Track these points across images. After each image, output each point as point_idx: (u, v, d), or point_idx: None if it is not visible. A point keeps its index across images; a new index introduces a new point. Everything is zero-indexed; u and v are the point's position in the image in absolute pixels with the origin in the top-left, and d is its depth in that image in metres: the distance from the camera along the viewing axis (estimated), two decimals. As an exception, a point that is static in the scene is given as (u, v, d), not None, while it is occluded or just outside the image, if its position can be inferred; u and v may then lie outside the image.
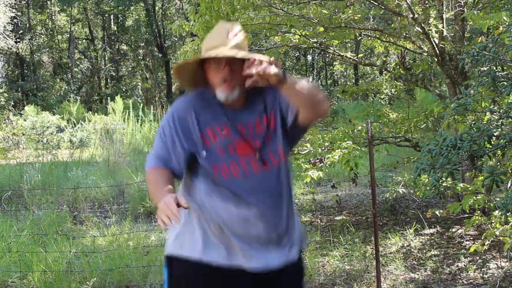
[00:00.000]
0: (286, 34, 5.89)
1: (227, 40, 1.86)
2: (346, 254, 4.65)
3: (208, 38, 1.92)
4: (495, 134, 2.52)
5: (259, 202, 1.88)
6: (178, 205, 1.65)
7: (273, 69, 1.70)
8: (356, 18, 5.50)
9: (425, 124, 5.92)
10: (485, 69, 2.78)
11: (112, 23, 27.45)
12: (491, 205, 3.83)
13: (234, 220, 1.88)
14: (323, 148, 4.74)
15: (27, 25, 24.17)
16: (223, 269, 1.88)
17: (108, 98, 15.74)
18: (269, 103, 1.95)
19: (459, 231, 5.03)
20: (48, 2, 25.90)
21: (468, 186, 3.91)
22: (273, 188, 1.92)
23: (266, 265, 1.89)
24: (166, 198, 1.67)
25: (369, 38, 6.20)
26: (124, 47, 28.22)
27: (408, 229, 5.13)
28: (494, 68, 2.60)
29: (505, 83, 2.54)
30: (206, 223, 1.90)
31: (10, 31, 19.08)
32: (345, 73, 28.24)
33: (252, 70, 1.71)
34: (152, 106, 12.60)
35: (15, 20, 20.25)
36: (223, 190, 1.88)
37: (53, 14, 26.56)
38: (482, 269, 4.03)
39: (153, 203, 1.85)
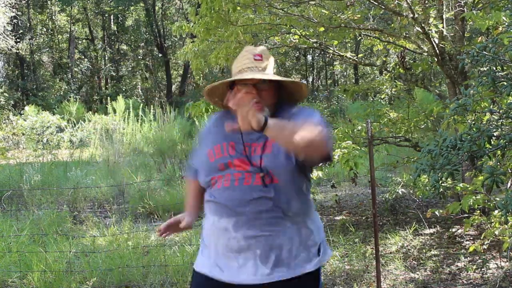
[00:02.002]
0: (286, 35, 5.89)
1: (253, 63, 1.93)
2: (346, 254, 4.65)
3: (235, 62, 1.99)
4: (495, 134, 2.52)
5: (241, 214, 1.88)
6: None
7: (251, 116, 1.68)
8: (356, 18, 5.50)
9: (425, 124, 5.92)
10: (485, 69, 2.78)
11: (112, 23, 27.45)
12: (491, 205, 3.83)
13: (215, 230, 1.94)
14: (323, 148, 4.73)
15: (27, 25, 24.17)
16: (218, 282, 1.93)
17: (108, 98, 15.73)
18: None
19: (459, 231, 5.03)
20: (48, 2, 25.90)
21: (468, 186, 3.91)
22: (256, 204, 1.87)
23: (239, 279, 1.88)
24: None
25: (369, 38, 6.20)
26: (124, 47, 28.22)
27: (408, 229, 5.13)
28: (494, 68, 2.60)
29: (505, 83, 2.54)
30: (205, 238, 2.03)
31: (10, 31, 19.08)
32: (345, 73, 28.24)
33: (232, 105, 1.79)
34: (152, 106, 12.59)
35: (15, 20, 20.25)
36: (213, 202, 1.95)
37: (53, 14, 26.57)
38: (482, 269, 4.03)
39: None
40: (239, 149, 1.94)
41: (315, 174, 4.55)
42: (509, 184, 4.20)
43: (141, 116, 11.35)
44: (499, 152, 2.53)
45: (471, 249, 4.05)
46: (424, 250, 4.62)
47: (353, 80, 25.89)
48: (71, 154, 10.18)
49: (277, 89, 1.99)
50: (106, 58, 27.58)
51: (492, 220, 4.02)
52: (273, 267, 1.87)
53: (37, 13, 26.36)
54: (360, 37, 6.85)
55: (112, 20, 27.40)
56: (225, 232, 1.89)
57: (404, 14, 5.02)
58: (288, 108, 2.00)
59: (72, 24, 26.45)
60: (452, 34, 5.32)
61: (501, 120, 2.68)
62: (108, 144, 10.06)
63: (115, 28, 27.47)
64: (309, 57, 27.59)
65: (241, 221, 1.87)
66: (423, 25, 4.89)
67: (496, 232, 3.92)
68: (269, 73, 1.96)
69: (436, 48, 5.04)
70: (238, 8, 5.04)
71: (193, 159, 2.15)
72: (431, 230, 5.22)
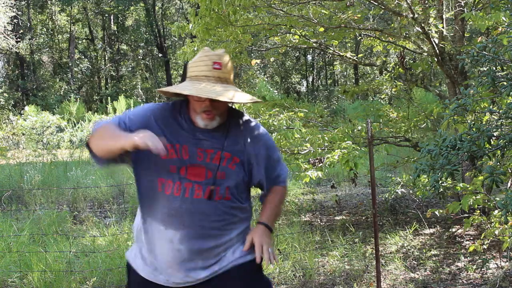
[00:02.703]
0: (286, 35, 5.89)
1: (211, 71, 1.83)
2: (346, 254, 4.65)
3: (193, 64, 1.87)
4: (494, 134, 2.52)
5: (187, 226, 1.85)
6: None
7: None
8: (355, 18, 5.50)
9: (425, 124, 5.92)
10: (485, 69, 2.78)
11: (112, 23, 27.45)
12: (491, 205, 3.84)
13: (160, 239, 1.88)
14: (323, 148, 4.74)
15: (27, 25, 24.17)
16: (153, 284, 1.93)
17: (108, 98, 15.73)
18: (247, 152, 1.93)
19: (459, 231, 5.03)
20: (48, 2, 25.90)
21: (468, 186, 3.91)
22: (207, 219, 1.86)
23: (176, 280, 1.90)
24: (143, 134, 1.68)
25: (369, 38, 6.20)
26: (124, 47, 28.22)
27: (408, 229, 5.13)
28: (494, 68, 2.60)
29: (505, 83, 2.54)
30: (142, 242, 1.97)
31: (10, 31, 19.08)
32: (345, 73, 28.25)
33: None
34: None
35: (15, 20, 20.25)
36: (159, 209, 1.87)
37: (53, 14, 26.57)
38: (482, 269, 4.03)
39: (111, 147, 1.76)
40: (193, 153, 1.86)
41: (315, 174, 4.55)
42: (509, 184, 4.20)
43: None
44: (499, 152, 2.53)
45: (471, 249, 4.05)
46: (424, 250, 4.62)
47: (353, 80, 25.89)
48: (71, 154, 10.18)
49: None
50: (106, 58, 27.58)
51: (492, 220, 4.02)
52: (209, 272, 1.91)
53: (37, 13, 26.37)
54: (360, 37, 6.85)
55: (112, 20, 27.40)
56: (169, 243, 1.86)
57: (404, 14, 5.03)
58: (239, 120, 1.96)
59: (72, 24, 26.45)
60: (452, 34, 5.33)
61: (501, 120, 2.68)
62: (108, 144, 10.03)
63: (115, 28, 27.46)
64: (309, 57, 27.60)
65: (187, 234, 1.84)
66: (423, 25, 4.89)
67: (496, 232, 3.92)
68: (227, 84, 1.85)
69: (436, 48, 5.04)
70: (238, 9, 5.04)
71: (131, 120, 1.91)
72: (431, 230, 5.22)
